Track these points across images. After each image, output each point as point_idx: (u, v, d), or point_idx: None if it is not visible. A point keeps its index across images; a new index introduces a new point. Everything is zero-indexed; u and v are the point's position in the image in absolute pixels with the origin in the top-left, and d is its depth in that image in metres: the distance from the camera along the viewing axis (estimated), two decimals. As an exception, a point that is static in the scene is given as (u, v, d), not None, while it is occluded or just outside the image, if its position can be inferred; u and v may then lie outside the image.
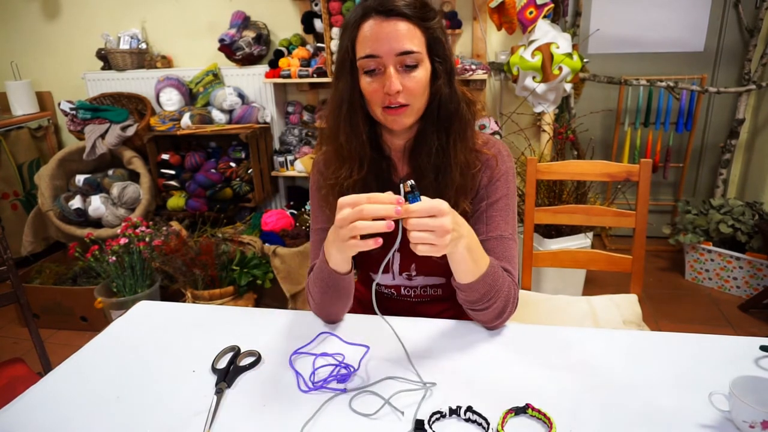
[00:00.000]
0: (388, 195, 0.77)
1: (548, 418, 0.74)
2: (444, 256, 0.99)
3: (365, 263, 1.13)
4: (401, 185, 0.77)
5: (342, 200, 0.78)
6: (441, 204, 0.77)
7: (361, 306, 1.23)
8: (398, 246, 0.79)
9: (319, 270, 0.96)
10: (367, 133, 0.96)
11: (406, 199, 0.76)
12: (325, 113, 1.01)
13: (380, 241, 0.78)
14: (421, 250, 0.77)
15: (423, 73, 0.90)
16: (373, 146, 0.99)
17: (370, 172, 0.99)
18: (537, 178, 1.47)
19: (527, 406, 0.76)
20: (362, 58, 0.90)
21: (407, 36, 0.88)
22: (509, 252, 1.00)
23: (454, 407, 0.76)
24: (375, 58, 0.88)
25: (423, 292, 1.11)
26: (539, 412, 0.75)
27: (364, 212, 0.76)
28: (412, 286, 1.11)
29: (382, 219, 0.76)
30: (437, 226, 0.75)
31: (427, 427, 0.74)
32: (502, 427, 0.74)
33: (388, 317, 1.05)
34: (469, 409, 0.75)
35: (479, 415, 0.75)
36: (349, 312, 1.09)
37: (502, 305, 0.94)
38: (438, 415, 0.76)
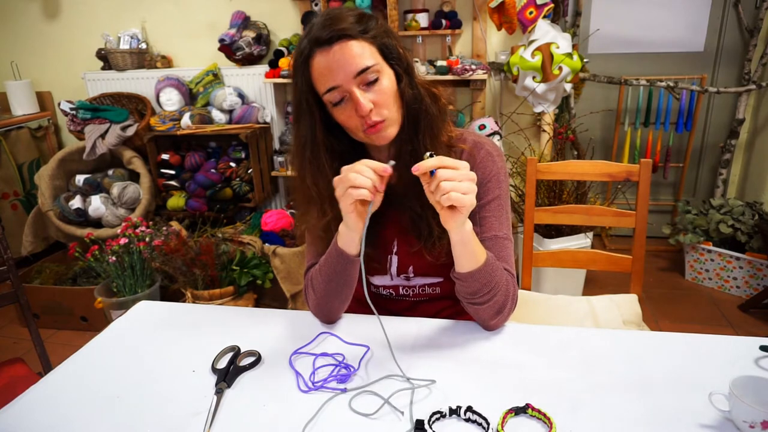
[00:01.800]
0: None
1: (548, 418, 0.74)
2: (441, 256, 0.99)
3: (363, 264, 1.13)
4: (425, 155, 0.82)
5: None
6: (462, 162, 0.81)
7: (360, 306, 1.23)
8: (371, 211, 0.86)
9: (327, 255, 0.97)
10: (335, 168, 0.91)
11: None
12: (290, 158, 1.01)
13: (371, 196, 0.82)
14: (453, 198, 0.78)
15: (387, 82, 0.89)
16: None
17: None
18: (537, 178, 1.47)
19: (527, 406, 0.76)
20: (325, 93, 0.88)
21: (357, 54, 0.86)
22: (505, 252, 1.00)
23: (454, 407, 0.76)
24: (336, 88, 0.87)
25: (421, 291, 1.12)
26: (539, 412, 0.75)
27: (353, 179, 0.82)
28: (410, 286, 1.11)
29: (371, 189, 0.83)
30: (463, 174, 0.80)
31: (427, 427, 0.74)
32: (502, 427, 0.74)
33: (386, 317, 1.05)
34: (469, 409, 0.75)
35: (479, 415, 0.75)
36: (349, 312, 1.09)
37: (502, 300, 0.94)
38: (438, 415, 0.76)
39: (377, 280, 1.12)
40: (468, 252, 0.89)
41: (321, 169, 0.95)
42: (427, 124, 0.95)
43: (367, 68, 0.86)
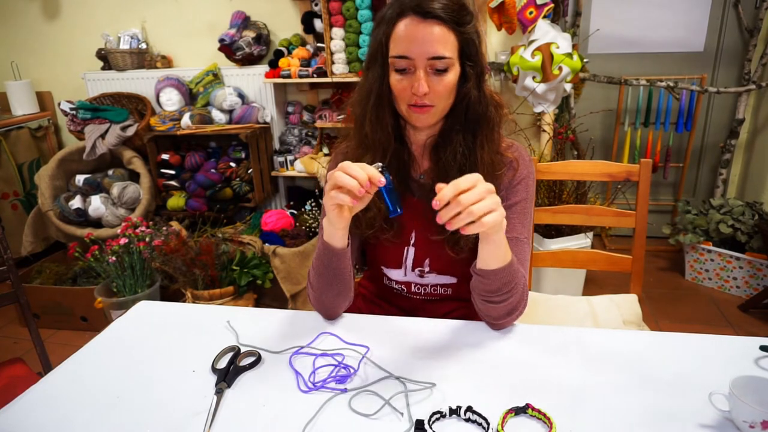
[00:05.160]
0: (363, 166, 0.82)
1: (548, 418, 0.74)
2: (463, 251, 0.99)
3: (376, 258, 1.13)
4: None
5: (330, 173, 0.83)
6: (474, 174, 0.79)
7: (366, 302, 1.22)
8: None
9: (317, 248, 0.98)
10: (393, 125, 0.99)
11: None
12: (352, 101, 1.03)
13: (351, 202, 0.82)
14: (489, 222, 0.77)
15: (452, 76, 0.92)
16: (396, 138, 1.01)
17: (393, 164, 1.00)
18: (537, 178, 1.47)
19: (527, 406, 0.76)
20: (394, 57, 0.92)
21: (441, 41, 0.89)
22: (522, 255, 1.00)
23: (454, 407, 0.76)
24: (407, 59, 0.90)
25: (433, 290, 1.11)
26: (539, 412, 0.75)
27: (338, 180, 0.81)
28: (422, 284, 1.11)
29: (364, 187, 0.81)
30: (484, 190, 0.78)
31: (427, 427, 0.74)
32: (502, 427, 0.74)
33: (387, 317, 1.05)
34: (469, 409, 0.75)
35: (479, 415, 0.75)
36: (352, 311, 1.09)
37: (516, 301, 0.94)
38: (438, 415, 0.76)
39: (392, 274, 1.12)
40: (497, 252, 0.89)
41: (381, 119, 0.97)
42: (488, 129, 0.97)
43: (442, 57, 0.89)
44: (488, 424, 0.74)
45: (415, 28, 0.89)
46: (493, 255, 0.89)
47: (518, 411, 0.76)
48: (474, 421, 0.75)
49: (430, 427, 0.74)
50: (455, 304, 1.14)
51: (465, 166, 0.97)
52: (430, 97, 0.92)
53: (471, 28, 0.92)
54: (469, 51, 0.93)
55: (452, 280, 1.09)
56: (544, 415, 0.74)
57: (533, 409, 0.76)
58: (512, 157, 1.01)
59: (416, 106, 0.93)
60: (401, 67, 0.91)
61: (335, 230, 0.91)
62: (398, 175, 1.02)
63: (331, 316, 1.05)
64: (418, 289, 1.12)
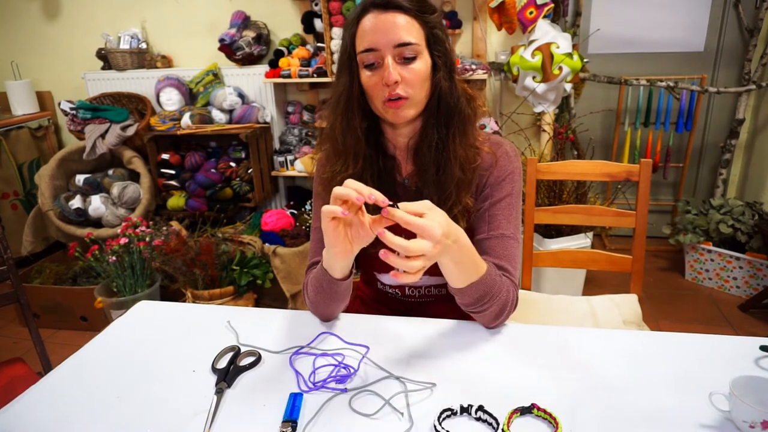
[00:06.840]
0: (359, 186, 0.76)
1: (554, 418, 0.74)
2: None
3: (369, 263, 1.13)
4: None
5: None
6: (427, 203, 0.76)
7: (364, 305, 1.22)
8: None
9: (318, 269, 0.97)
10: (364, 129, 0.97)
11: None
12: (327, 110, 1.02)
13: (345, 212, 0.76)
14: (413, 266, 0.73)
15: (422, 65, 0.91)
16: (371, 144, 0.99)
17: (367, 169, 0.99)
18: (537, 178, 1.47)
19: (533, 406, 0.76)
20: (361, 53, 0.90)
21: (405, 28, 0.88)
22: (510, 251, 0.99)
23: (465, 405, 0.76)
24: (373, 51, 0.89)
25: (428, 292, 1.11)
26: (545, 412, 0.75)
27: (333, 194, 0.76)
28: (416, 286, 1.10)
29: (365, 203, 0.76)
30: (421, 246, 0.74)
31: (436, 423, 0.73)
32: (508, 426, 0.74)
33: (387, 317, 1.05)
34: (481, 408, 0.75)
35: (489, 414, 0.74)
36: (350, 311, 1.09)
37: (499, 309, 0.94)
38: (449, 413, 0.75)
39: (386, 279, 1.12)
40: (459, 274, 0.87)
41: (351, 124, 0.96)
42: (459, 122, 0.96)
43: (409, 44, 0.88)
44: (498, 423, 0.74)
45: (377, 20, 0.88)
46: (455, 276, 0.87)
47: (524, 411, 0.76)
48: (485, 421, 0.75)
49: (440, 424, 0.73)
50: (452, 305, 1.13)
51: (440, 161, 0.96)
52: (403, 86, 0.90)
53: (435, 18, 0.92)
54: (436, 42, 0.92)
55: (446, 280, 1.09)
56: (550, 415, 0.74)
57: (539, 409, 0.75)
58: (489, 151, 1.00)
59: (391, 101, 0.91)
60: (369, 61, 0.90)
61: (332, 260, 0.89)
62: (381, 181, 1.01)
63: (327, 319, 1.05)
64: (412, 291, 1.11)
